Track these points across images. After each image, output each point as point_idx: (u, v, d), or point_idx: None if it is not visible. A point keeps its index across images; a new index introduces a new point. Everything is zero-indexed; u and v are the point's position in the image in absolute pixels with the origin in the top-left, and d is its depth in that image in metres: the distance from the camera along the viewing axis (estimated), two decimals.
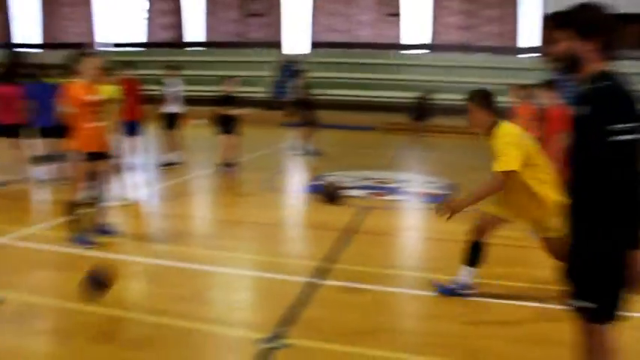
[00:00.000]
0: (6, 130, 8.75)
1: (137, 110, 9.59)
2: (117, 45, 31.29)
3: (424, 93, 18.80)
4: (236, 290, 4.79)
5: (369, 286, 4.73)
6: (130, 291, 4.64)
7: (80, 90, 5.45)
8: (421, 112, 18.35)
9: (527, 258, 5.64)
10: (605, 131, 2.25)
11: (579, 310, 2.47)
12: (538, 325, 4.06)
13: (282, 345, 3.60)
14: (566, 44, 2.45)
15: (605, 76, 2.38)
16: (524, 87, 7.75)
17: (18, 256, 5.47)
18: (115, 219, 6.56)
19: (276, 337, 3.70)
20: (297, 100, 13.57)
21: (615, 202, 2.29)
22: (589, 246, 2.40)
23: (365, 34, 30.02)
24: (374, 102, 24.79)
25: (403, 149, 15.42)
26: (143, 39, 32.26)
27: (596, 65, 2.41)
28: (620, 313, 2.44)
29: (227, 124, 9.92)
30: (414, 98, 18.96)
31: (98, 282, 4.00)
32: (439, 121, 21.16)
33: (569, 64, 2.48)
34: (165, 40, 31.76)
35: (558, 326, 3.62)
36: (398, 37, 29.82)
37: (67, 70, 9.51)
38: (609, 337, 2.47)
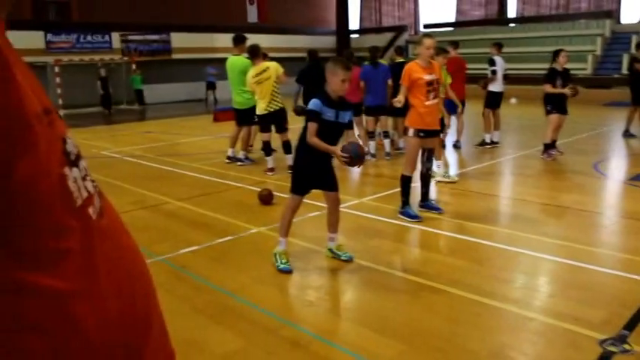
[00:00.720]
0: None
1: (462, 89, 9.73)
2: (426, 26, 31.99)
3: None
4: (572, 282, 4.44)
5: None
6: (452, 268, 4.72)
7: (417, 70, 5.68)
8: None
9: None
10: None
11: None
12: None
13: (624, 350, 3.25)
14: None
15: None
16: None
17: (352, 224, 6.02)
18: (438, 196, 6.75)
19: (618, 340, 3.35)
20: (628, 77, 12.08)
21: None
22: None
23: None
24: None
25: None
26: (453, 18, 32.38)
27: None
28: None
29: (557, 102, 9.22)
30: None
31: None
32: None
33: None
34: (478, 18, 31.39)
35: None
36: None
37: (397, 51, 10.13)
38: None
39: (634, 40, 23.63)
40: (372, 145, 9.49)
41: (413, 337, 3.51)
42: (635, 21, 26.18)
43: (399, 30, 31.54)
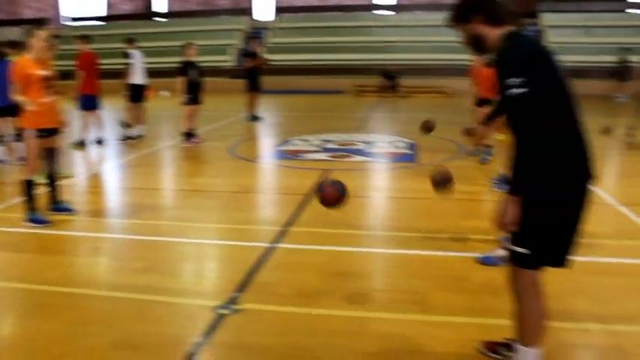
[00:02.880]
0: None
1: (95, 84, 9.47)
2: (75, 19, 30.46)
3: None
4: (198, 260, 4.75)
5: (326, 247, 4.75)
6: (86, 267, 4.58)
7: (29, 65, 5.28)
8: (623, 73, 19.55)
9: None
10: (504, 86, 2.35)
11: (513, 254, 2.54)
12: (495, 276, 4.09)
13: (235, 310, 3.60)
14: (464, 33, 2.65)
15: (507, 37, 2.50)
16: None
17: None
18: (73, 196, 6.46)
19: (230, 303, 3.70)
20: (246, 67, 13.52)
21: (531, 151, 2.33)
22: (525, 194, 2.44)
23: None
24: (344, 65, 24.59)
25: (373, 111, 15.37)
26: (104, 12, 31.47)
27: (493, 34, 2.54)
28: (554, 259, 2.54)
29: (190, 93, 9.72)
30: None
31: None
32: (408, 81, 21.24)
33: (477, 46, 2.65)
34: (128, 12, 31.02)
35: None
36: None
37: (21, 46, 9.27)
38: (537, 282, 2.55)
39: (267, 34, 26.30)
40: (1, 150, 8.58)
41: (32, 350, 3.29)
42: (268, 18, 29.07)
43: (39, 23, 29.11)
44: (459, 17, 2.62)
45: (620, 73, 19.59)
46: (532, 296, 2.54)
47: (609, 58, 22.41)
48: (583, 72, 22.15)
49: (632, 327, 3.38)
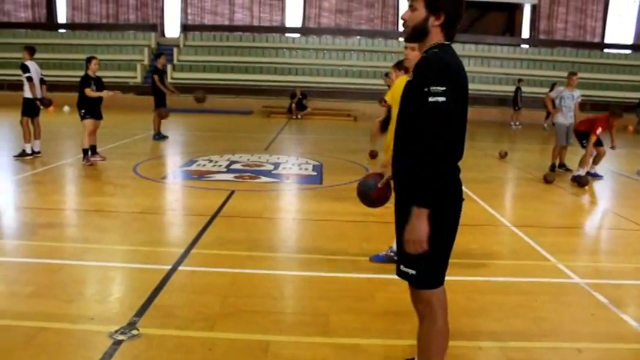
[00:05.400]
0: None
1: None
2: None
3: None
4: (95, 283, 4.50)
5: (228, 269, 4.67)
6: None
7: None
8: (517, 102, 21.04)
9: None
10: (423, 93, 2.30)
11: (403, 275, 2.58)
12: (398, 297, 4.17)
13: (132, 336, 3.44)
14: (417, 13, 2.47)
15: (437, 47, 2.45)
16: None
17: None
18: None
19: (128, 328, 3.54)
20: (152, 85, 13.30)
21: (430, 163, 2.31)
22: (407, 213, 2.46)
23: (241, 17, 29.61)
24: (252, 86, 24.58)
25: (281, 132, 15.43)
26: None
27: (436, 39, 2.47)
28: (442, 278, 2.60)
29: (91, 107, 9.36)
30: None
31: None
32: (315, 103, 21.61)
33: (415, 33, 2.52)
34: (25, 21, 29.50)
35: None
36: (278, 20, 29.72)
37: None
38: (436, 301, 2.58)
39: (175, 52, 25.89)
40: None
41: None
42: (175, 35, 28.60)
43: None
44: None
45: (514, 101, 20.86)
46: (433, 315, 2.57)
47: (503, 88, 23.92)
48: (480, 99, 23.47)
49: (520, 343, 3.56)
